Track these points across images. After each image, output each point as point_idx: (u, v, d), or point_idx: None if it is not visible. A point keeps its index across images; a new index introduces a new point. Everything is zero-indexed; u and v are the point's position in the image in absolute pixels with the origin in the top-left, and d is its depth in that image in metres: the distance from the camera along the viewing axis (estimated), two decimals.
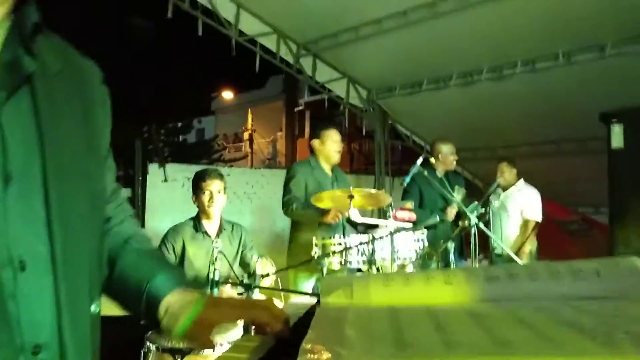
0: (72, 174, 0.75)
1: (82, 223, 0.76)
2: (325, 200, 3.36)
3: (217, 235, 3.09)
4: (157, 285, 0.87)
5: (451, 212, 4.19)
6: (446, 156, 4.35)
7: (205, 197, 3.05)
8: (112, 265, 0.90)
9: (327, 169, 3.82)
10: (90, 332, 0.77)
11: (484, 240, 4.21)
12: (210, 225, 3.11)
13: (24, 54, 0.71)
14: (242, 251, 3.20)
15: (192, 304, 0.83)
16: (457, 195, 3.57)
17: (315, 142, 3.77)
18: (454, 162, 4.48)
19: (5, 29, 0.71)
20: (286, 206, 3.64)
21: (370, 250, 3.02)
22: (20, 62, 0.71)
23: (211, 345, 0.81)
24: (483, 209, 3.63)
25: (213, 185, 3.06)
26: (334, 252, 3.02)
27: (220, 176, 3.13)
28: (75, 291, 0.73)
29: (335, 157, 3.76)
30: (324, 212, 3.47)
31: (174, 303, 0.85)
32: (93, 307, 0.78)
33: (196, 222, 3.10)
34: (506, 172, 4.93)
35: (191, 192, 3.16)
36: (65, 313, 0.70)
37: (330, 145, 3.72)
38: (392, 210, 3.24)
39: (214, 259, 2.50)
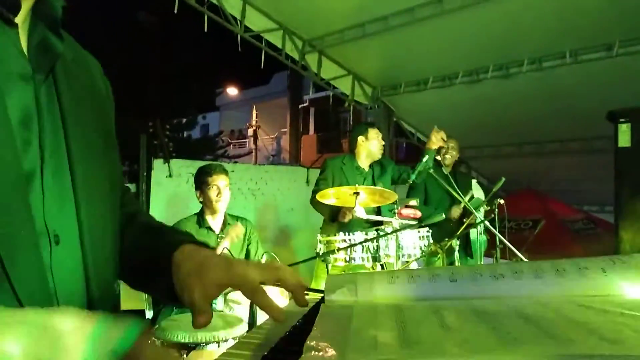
0: (92, 155, 0.77)
1: (104, 202, 0.79)
2: (331, 196, 3.37)
3: (222, 230, 3.08)
4: (167, 244, 0.81)
5: (455, 212, 4.18)
6: (447, 152, 4.35)
7: (213, 192, 3.04)
8: (121, 241, 0.88)
9: (364, 165, 3.90)
10: (115, 310, 0.80)
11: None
12: (214, 221, 3.11)
13: (52, 35, 0.73)
14: (248, 245, 3.19)
15: (203, 267, 0.73)
16: (466, 197, 3.56)
17: (360, 139, 3.86)
18: (456, 157, 4.48)
19: (31, 15, 0.73)
20: (311, 196, 3.74)
21: (375, 247, 3.02)
22: (49, 43, 0.73)
23: (202, 316, 0.72)
24: (488, 207, 3.62)
25: (219, 180, 3.06)
26: (338, 249, 3.02)
27: (225, 171, 3.13)
28: (100, 266, 0.75)
29: (379, 154, 3.89)
30: (337, 211, 3.56)
31: (187, 260, 0.76)
32: (115, 286, 0.81)
33: (200, 218, 3.09)
34: None
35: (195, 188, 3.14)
36: (93, 286, 0.73)
37: (374, 143, 3.85)
38: (397, 207, 3.24)
39: (219, 253, 2.49)
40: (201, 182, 3.09)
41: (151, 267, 0.82)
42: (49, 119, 0.71)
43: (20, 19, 0.71)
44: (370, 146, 3.86)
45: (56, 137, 0.72)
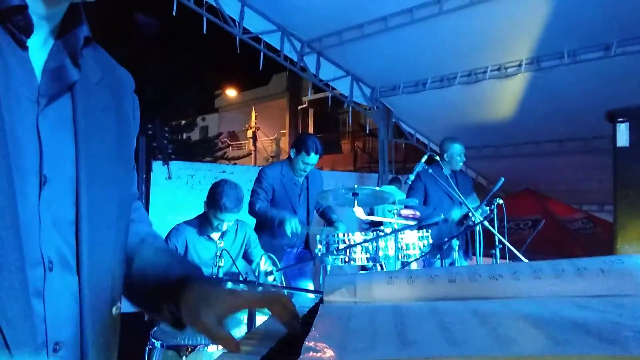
0: (103, 182, 0.77)
1: (109, 229, 0.78)
2: (329, 198, 3.38)
3: (221, 236, 3.07)
4: (175, 280, 0.85)
5: (456, 214, 4.13)
6: (453, 155, 4.33)
7: (220, 224, 2.99)
8: (129, 264, 0.90)
9: (298, 176, 3.81)
10: (111, 334, 0.79)
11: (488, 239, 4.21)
12: (214, 229, 3.08)
13: (69, 64, 0.73)
14: (247, 249, 3.18)
15: (210, 297, 0.80)
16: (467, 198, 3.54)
17: (291, 152, 3.75)
18: (461, 163, 4.45)
19: (53, 40, 0.73)
20: (251, 205, 3.64)
21: (375, 248, 3.02)
22: (65, 71, 0.73)
23: (228, 340, 0.75)
24: (487, 207, 3.62)
25: (231, 217, 3.00)
26: (337, 249, 3.02)
27: (240, 206, 3.05)
28: (98, 294, 0.75)
29: (298, 175, 3.76)
30: (280, 222, 3.46)
31: (193, 297, 0.81)
32: (114, 310, 0.80)
33: (201, 224, 3.06)
34: None
35: (204, 196, 3.05)
36: (87, 313, 0.73)
37: (300, 164, 3.70)
38: (397, 208, 3.24)
39: (218, 257, 2.49)
40: (216, 205, 2.95)
41: (159, 295, 0.86)
42: (56, 145, 0.71)
43: (39, 42, 0.71)
44: (295, 163, 3.71)
45: (63, 163, 0.72)
